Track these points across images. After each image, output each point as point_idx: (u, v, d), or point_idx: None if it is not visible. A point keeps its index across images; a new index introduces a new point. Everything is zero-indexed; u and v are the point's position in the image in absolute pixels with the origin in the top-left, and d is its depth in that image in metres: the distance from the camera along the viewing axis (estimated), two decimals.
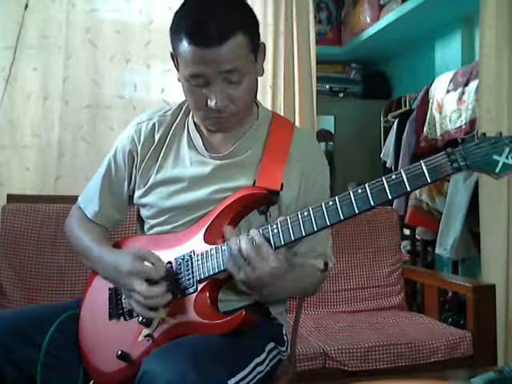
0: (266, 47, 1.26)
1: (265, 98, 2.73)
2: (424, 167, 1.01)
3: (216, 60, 1.11)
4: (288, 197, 1.26)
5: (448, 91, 2.82)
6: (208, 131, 1.30)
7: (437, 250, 2.74)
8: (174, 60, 1.22)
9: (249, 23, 1.17)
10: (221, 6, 1.14)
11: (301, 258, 1.25)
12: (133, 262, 1.17)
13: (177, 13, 1.17)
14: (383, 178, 1.04)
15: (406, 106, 3.29)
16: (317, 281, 1.31)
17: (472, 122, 2.61)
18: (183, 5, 1.17)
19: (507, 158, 0.97)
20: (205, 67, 1.12)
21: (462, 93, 2.71)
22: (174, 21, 1.17)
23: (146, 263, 1.16)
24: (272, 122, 1.32)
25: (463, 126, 2.70)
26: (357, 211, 1.05)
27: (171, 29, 1.17)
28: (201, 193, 1.26)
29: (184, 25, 1.13)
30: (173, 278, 1.18)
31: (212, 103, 1.16)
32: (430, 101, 2.97)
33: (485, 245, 2.34)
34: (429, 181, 1.01)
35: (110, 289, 1.27)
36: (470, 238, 2.61)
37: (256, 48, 1.20)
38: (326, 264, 1.28)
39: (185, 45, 1.12)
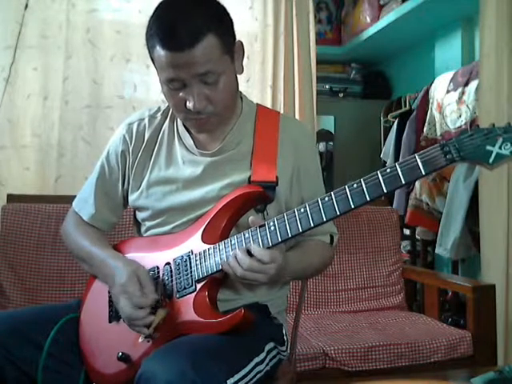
0: (243, 45, 1.25)
1: (265, 98, 2.73)
2: (418, 160, 1.02)
3: (189, 63, 1.12)
4: (285, 189, 1.27)
5: (448, 91, 2.82)
6: None
7: (437, 250, 2.74)
8: (154, 64, 1.22)
9: (220, 23, 1.17)
10: (190, 8, 1.14)
11: (308, 236, 1.28)
12: (127, 280, 1.17)
13: (150, 19, 1.17)
14: (378, 172, 1.05)
15: (405, 106, 3.29)
16: (327, 254, 1.35)
17: (472, 122, 2.61)
18: (155, 10, 1.17)
19: (500, 148, 0.98)
20: (179, 71, 1.13)
21: (462, 93, 2.71)
22: (147, 27, 1.17)
23: (137, 288, 1.16)
24: (257, 114, 1.33)
25: (463, 126, 2.70)
26: (353, 206, 1.07)
27: (146, 34, 1.18)
28: (196, 193, 1.26)
29: (155, 30, 1.14)
30: (163, 289, 1.19)
31: (190, 105, 1.16)
32: (430, 101, 2.97)
33: (485, 245, 2.34)
34: (423, 173, 1.02)
35: (109, 291, 1.27)
36: (470, 238, 2.60)
37: (231, 47, 1.20)
38: (331, 238, 1.34)
39: (158, 50, 1.13)
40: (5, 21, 2.40)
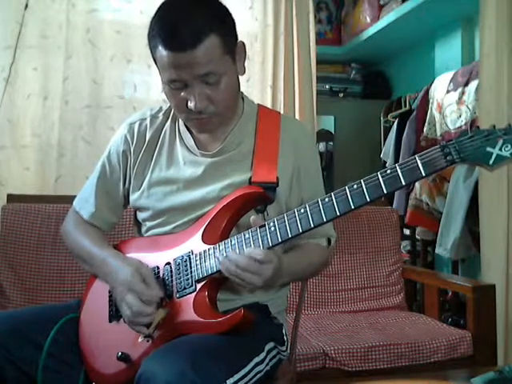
0: (245, 46, 1.25)
1: (265, 97, 2.73)
2: (418, 161, 1.03)
3: (191, 64, 1.12)
4: (285, 189, 1.27)
5: (448, 91, 2.82)
6: None
7: (437, 250, 2.74)
8: (156, 64, 1.22)
9: (222, 24, 1.17)
10: (192, 8, 1.14)
11: (305, 239, 1.28)
12: (132, 276, 1.17)
13: (152, 19, 1.18)
14: (378, 173, 1.06)
15: (405, 106, 3.29)
16: (325, 256, 1.35)
17: (472, 122, 2.61)
18: (157, 11, 1.18)
19: (501, 149, 0.98)
20: (180, 71, 1.14)
21: (462, 93, 2.71)
22: (149, 27, 1.18)
23: (142, 283, 1.16)
24: (259, 114, 1.34)
25: (463, 126, 2.70)
26: (353, 207, 1.07)
27: (148, 35, 1.18)
28: (197, 193, 1.27)
29: (158, 30, 1.15)
30: (163, 289, 1.19)
31: (191, 104, 1.17)
32: (430, 101, 2.97)
33: (485, 245, 2.34)
34: (423, 174, 1.02)
35: (110, 291, 1.27)
36: (470, 238, 2.60)
37: (232, 48, 1.20)
38: (329, 241, 1.34)
39: (160, 50, 1.14)
40: (5, 21, 2.40)
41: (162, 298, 1.18)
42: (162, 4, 1.18)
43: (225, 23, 1.18)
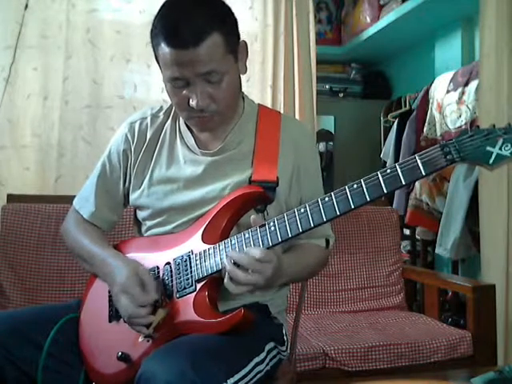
0: (247, 45, 1.26)
1: (265, 97, 2.73)
2: (418, 160, 1.03)
3: (193, 62, 1.13)
4: (284, 189, 1.27)
5: (448, 91, 2.82)
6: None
7: (437, 250, 2.74)
8: (158, 63, 1.23)
9: (225, 23, 1.17)
10: (196, 7, 1.15)
11: (304, 240, 1.28)
12: (127, 279, 1.17)
13: (155, 17, 1.18)
14: (378, 172, 1.06)
15: (405, 106, 3.29)
16: (323, 257, 1.35)
17: (472, 122, 2.61)
18: (160, 9, 1.18)
19: (501, 149, 0.98)
20: (183, 69, 1.14)
21: (462, 93, 2.71)
22: (152, 25, 1.18)
23: (138, 287, 1.16)
24: (259, 114, 1.34)
25: (463, 126, 2.70)
26: (353, 206, 1.07)
27: (151, 33, 1.19)
28: (197, 193, 1.27)
29: (160, 28, 1.15)
30: (163, 289, 1.19)
31: (193, 103, 1.17)
32: (430, 101, 2.97)
33: (485, 245, 2.34)
34: (423, 174, 1.02)
35: (109, 291, 1.27)
36: (470, 238, 2.60)
37: (235, 47, 1.21)
38: (327, 241, 1.34)
39: (163, 47, 1.14)
40: (5, 21, 2.40)
41: (162, 298, 1.18)
42: (165, 2, 1.19)
43: (227, 22, 1.19)
